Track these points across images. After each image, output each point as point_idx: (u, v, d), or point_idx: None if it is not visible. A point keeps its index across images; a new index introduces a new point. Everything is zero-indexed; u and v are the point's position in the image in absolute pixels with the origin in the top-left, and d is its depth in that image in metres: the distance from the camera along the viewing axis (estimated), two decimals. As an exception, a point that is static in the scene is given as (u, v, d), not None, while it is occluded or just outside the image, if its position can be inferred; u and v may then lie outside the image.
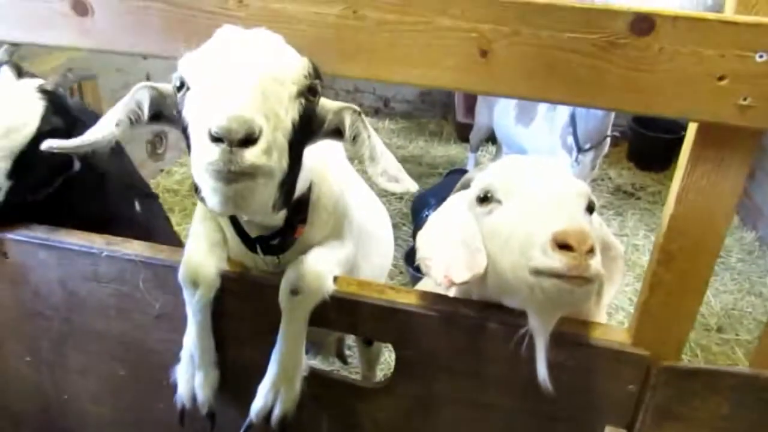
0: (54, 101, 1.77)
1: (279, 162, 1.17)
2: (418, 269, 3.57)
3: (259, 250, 1.55)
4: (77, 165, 1.89)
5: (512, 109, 4.39)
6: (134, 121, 1.37)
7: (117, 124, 1.35)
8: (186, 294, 1.56)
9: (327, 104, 1.38)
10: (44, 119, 1.73)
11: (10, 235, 1.71)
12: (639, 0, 1.55)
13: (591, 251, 1.16)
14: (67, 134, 1.60)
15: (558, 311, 1.34)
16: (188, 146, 1.24)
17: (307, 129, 1.31)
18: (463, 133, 6.04)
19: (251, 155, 1.08)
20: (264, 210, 1.26)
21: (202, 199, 1.18)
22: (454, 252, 1.41)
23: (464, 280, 1.36)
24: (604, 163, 5.49)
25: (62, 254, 1.69)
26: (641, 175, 5.67)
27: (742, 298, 4.06)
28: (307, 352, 1.64)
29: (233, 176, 1.09)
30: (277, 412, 1.58)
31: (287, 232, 1.55)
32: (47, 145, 1.38)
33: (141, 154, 4.78)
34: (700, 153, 1.26)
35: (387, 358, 3.17)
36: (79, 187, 1.92)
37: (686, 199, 1.30)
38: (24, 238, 1.71)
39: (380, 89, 6.71)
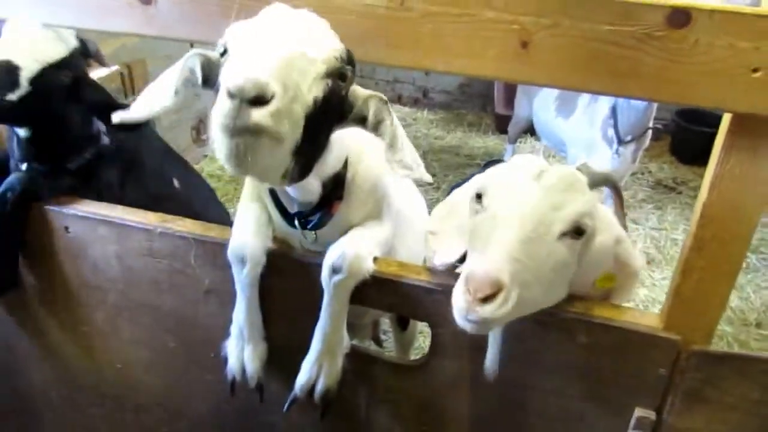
0: (84, 51, 1.92)
1: (291, 131, 1.22)
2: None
3: (297, 224, 1.61)
4: (105, 140, 2.02)
5: (552, 101, 4.40)
6: (191, 86, 1.44)
7: (176, 93, 1.42)
8: (234, 270, 1.64)
9: (358, 92, 1.43)
10: (74, 52, 1.86)
11: (72, 211, 1.82)
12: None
13: (486, 299, 1.25)
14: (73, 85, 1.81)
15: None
16: None
17: (333, 111, 1.36)
18: (501, 125, 6.05)
19: (258, 114, 1.13)
20: (274, 176, 1.30)
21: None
22: (447, 238, 1.57)
23: (438, 263, 1.56)
24: (645, 157, 5.44)
25: (120, 230, 1.79)
26: (683, 169, 5.61)
27: (783, 294, 4.02)
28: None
29: (236, 131, 1.15)
30: (320, 387, 1.65)
31: (324, 208, 1.60)
32: (118, 117, 1.47)
33: (186, 140, 4.92)
34: (733, 142, 1.29)
35: (421, 343, 3.24)
36: (113, 168, 2.06)
37: (719, 187, 1.33)
38: (85, 214, 1.82)
39: (420, 80, 6.73)
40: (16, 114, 1.77)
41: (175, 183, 2.33)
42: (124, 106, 1.53)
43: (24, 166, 1.92)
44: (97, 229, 1.81)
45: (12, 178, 1.83)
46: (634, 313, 1.57)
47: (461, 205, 1.58)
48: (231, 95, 1.12)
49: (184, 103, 1.40)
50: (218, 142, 1.20)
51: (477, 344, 1.62)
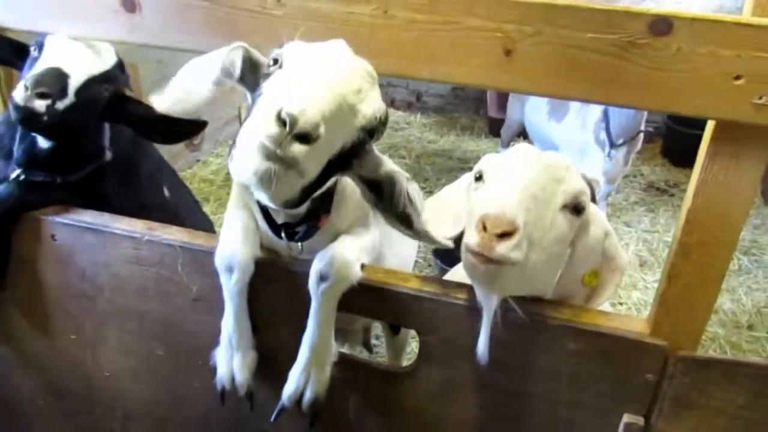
0: (121, 66, 1.92)
1: (314, 170, 1.27)
2: (446, 262, 3.62)
3: (283, 235, 1.61)
4: (108, 155, 1.99)
5: (545, 104, 4.41)
6: (227, 78, 1.43)
7: (215, 83, 1.41)
8: (222, 279, 1.63)
9: (382, 158, 1.47)
10: (115, 67, 1.86)
11: (58, 219, 1.81)
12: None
13: (504, 236, 1.26)
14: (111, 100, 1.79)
15: (486, 289, 1.44)
16: (249, 112, 1.33)
17: (349, 162, 1.40)
18: (494, 128, 6.06)
19: (299, 150, 1.16)
20: (278, 200, 1.33)
21: (232, 165, 1.27)
22: (442, 224, 1.57)
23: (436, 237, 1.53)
24: (638, 160, 5.47)
25: (107, 238, 1.78)
26: (675, 172, 5.63)
27: (775, 296, 4.03)
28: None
29: (274, 157, 1.16)
30: (308, 396, 1.64)
31: (311, 221, 1.60)
32: (156, 101, 1.49)
33: (178, 145, 4.91)
34: (717, 149, 1.30)
35: (414, 348, 3.23)
36: (111, 177, 2.03)
37: (704, 194, 1.34)
38: (72, 221, 1.81)
39: (413, 83, 6.74)
40: (57, 124, 1.71)
41: (166, 192, 2.33)
42: (165, 118, 1.57)
43: (18, 172, 1.87)
44: (83, 236, 1.80)
45: (2, 190, 1.81)
46: (622, 319, 1.58)
47: (454, 196, 1.65)
48: (283, 121, 1.14)
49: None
50: (248, 158, 1.20)
51: (466, 351, 1.62)
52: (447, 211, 1.64)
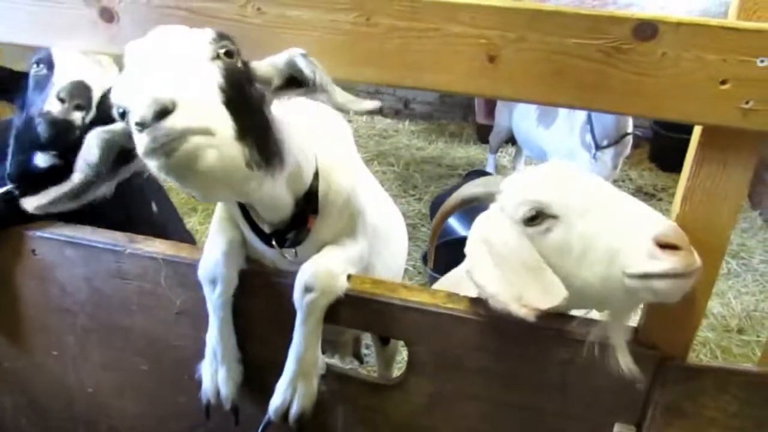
0: None
1: (218, 119, 1.18)
2: (435, 270, 3.60)
3: (275, 244, 1.58)
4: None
5: (533, 111, 4.42)
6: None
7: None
8: (206, 291, 1.61)
9: (270, 60, 1.38)
10: None
11: (38, 233, 1.78)
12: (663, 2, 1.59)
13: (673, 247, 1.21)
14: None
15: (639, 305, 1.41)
16: None
17: (246, 87, 1.31)
18: (483, 135, 6.07)
19: (170, 122, 1.09)
20: (237, 171, 1.24)
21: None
22: (521, 280, 1.37)
23: (547, 307, 1.34)
24: (626, 164, 5.47)
25: (87, 252, 1.76)
26: (663, 177, 5.65)
27: (764, 299, 4.03)
28: (324, 352, 1.68)
29: (167, 147, 1.10)
30: (294, 410, 1.61)
31: (299, 224, 1.57)
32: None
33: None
34: (704, 155, 1.29)
35: (404, 356, 3.21)
36: (99, 198, 1.98)
37: (691, 200, 1.33)
38: (51, 235, 1.78)
39: (401, 90, 6.75)
40: (79, 139, 1.62)
41: (154, 207, 2.30)
42: None
43: (8, 188, 1.80)
44: (64, 250, 1.77)
45: None
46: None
47: (504, 246, 1.43)
48: (139, 126, 1.09)
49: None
50: (163, 172, 1.16)
51: (455, 362, 1.60)
52: (517, 272, 1.40)
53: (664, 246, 1.20)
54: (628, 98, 1.25)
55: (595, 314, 1.59)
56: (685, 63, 1.18)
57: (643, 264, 1.22)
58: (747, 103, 1.18)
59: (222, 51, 1.27)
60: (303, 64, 1.33)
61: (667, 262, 1.20)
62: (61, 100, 1.60)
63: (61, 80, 1.65)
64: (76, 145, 1.64)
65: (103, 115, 1.65)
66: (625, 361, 1.41)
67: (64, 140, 1.64)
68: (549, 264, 1.37)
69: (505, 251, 1.41)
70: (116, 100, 1.27)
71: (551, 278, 1.35)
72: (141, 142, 1.11)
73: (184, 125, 1.11)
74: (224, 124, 1.19)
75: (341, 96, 1.37)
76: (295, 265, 1.61)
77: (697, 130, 1.30)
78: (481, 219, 1.51)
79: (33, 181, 1.77)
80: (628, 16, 1.18)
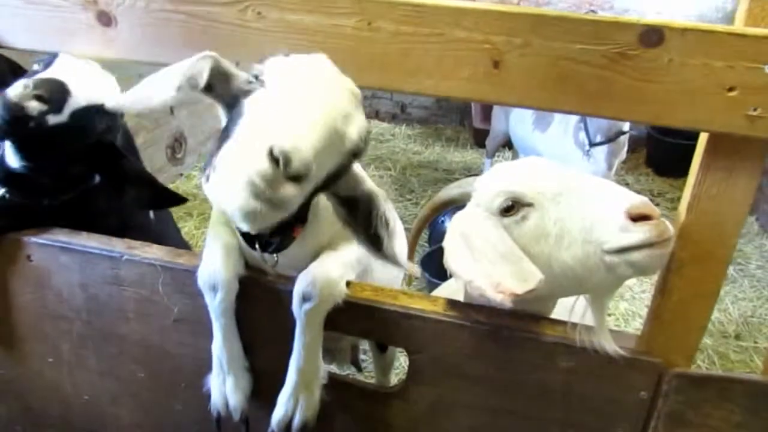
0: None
1: (298, 203, 1.20)
2: (434, 275, 3.57)
3: (257, 246, 1.54)
4: (96, 178, 1.91)
5: (530, 115, 4.41)
6: (192, 87, 1.33)
7: (179, 89, 1.31)
8: (207, 299, 1.57)
9: (361, 175, 1.42)
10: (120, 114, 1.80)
11: (33, 239, 1.75)
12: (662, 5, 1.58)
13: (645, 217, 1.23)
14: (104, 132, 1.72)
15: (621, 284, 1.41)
16: (226, 129, 1.25)
17: (331, 185, 1.35)
18: (479, 139, 6.06)
19: (291, 191, 1.10)
20: (253, 231, 1.30)
21: (210, 189, 1.19)
22: (498, 269, 1.36)
23: (523, 291, 1.32)
24: (622, 169, 5.48)
25: (83, 258, 1.73)
26: (659, 181, 5.65)
27: (761, 305, 4.03)
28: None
29: (263, 197, 1.09)
30: (297, 422, 1.58)
31: (284, 231, 1.53)
32: (115, 102, 1.45)
33: (161, 159, 4.85)
34: (710, 162, 1.28)
35: (402, 363, 3.19)
36: (99, 197, 1.96)
37: (697, 208, 1.32)
38: (47, 241, 1.75)
39: (397, 95, 6.74)
40: (36, 138, 1.59)
41: (151, 214, 2.27)
42: (151, 181, 1.58)
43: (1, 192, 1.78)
44: (60, 257, 1.74)
45: None
46: (614, 335, 1.54)
47: (481, 237, 1.43)
48: (275, 159, 1.06)
49: (183, 101, 1.32)
50: (234, 192, 1.11)
51: (456, 370, 1.58)
52: (494, 261, 1.39)
53: (636, 219, 1.23)
54: (633, 105, 1.24)
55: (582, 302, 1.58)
56: (692, 69, 1.17)
57: (617, 238, 1.24)
58: (754, 110, 1.17)
59: (356, 152, 1.30)
60: (389, 218, 1.44)
61: (640, 232, 1.22)
62: (24, 86, 1.51)
63: (44, 74, 1.60)
64: (45, 149, 1.66)
65: (80, 126, 1.64)
66: (606, 343, 1.42)
67: (14, 126, 1.55)
68: (528, 253, 1.37)
69: (481, 243, 1.42)
70: (266, 72, 1.25)
71: (527, 266, 1.36)
72: (260, 163, 1.08)
73: (289, 200, 1.14)
74: (298, 204, 1.23)
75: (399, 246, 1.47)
76: (290, 270, 1.58)
77: (703, 137, 1.29)
78: (458, 216, 1.52)
79: (18, 183, 1.76)
80: (634, 22, 1.17)
